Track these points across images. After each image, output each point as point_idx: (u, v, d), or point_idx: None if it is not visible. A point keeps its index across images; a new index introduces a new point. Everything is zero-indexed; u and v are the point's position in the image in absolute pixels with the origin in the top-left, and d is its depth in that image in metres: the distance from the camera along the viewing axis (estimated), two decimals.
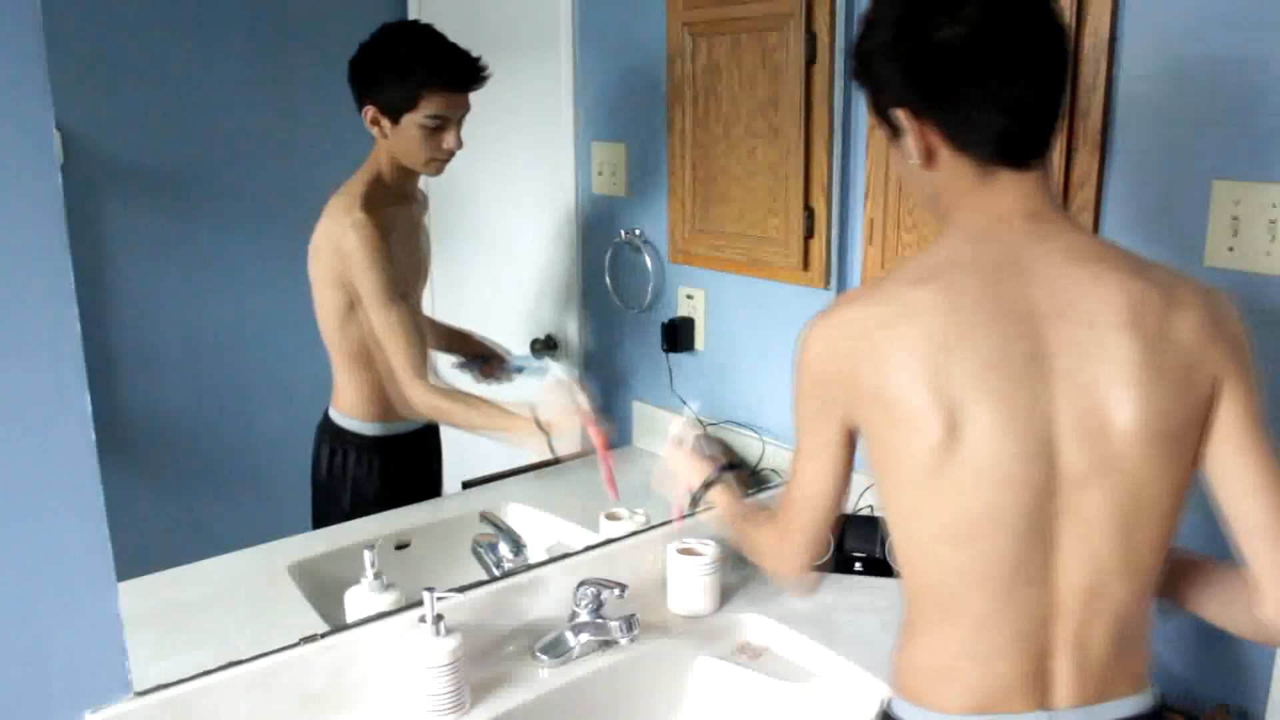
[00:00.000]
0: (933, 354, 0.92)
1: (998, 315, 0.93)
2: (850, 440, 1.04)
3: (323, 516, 1.75)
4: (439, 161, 1.64)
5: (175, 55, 1.63)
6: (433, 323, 1.92)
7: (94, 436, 1.06)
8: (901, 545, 1.02)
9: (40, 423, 1.03)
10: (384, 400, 1.71)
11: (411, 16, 1.86)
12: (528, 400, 1.66)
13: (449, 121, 1.61)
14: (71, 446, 1.05)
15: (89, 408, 1.06)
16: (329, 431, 1.74)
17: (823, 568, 1.20)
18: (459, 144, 1.63)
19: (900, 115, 0.98)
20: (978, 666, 0.97)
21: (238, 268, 1.67)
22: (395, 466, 1.78)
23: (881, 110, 1.01)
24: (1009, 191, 0.97)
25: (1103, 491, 0.93)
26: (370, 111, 1.59)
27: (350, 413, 1.73)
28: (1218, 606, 1.04)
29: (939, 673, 1.00)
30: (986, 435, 0.92)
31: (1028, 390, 0.92)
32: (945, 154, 0.98)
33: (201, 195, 1.69)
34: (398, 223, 1.65)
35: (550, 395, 1.65)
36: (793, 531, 1.11)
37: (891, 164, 1.08)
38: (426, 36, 1.62)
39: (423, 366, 1.62)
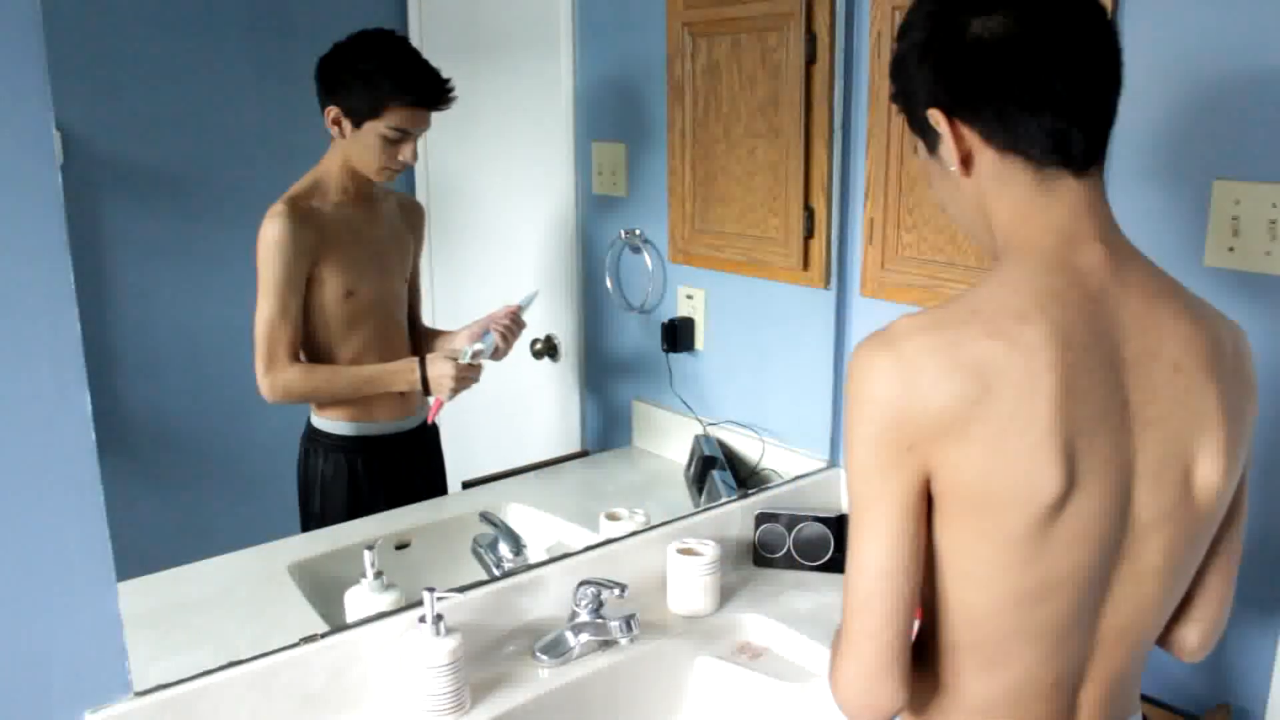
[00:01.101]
0: (1057, 401, 0.82)
1: (1101, 360, 0.85)
2: (927, 501, 0.87)
3: (311, 525, 1.75)
4: (391, 171, 1.66)
5: (175, 55, 1.63)
6: (425, 329, 1.92)
7: (94, 436, 1.06)
8: (956, 603, 0.90)
9: (40, 423, 1.03)
10: (360, 400, 1.73)
11: (411, 17, 1.86)
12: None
13: (409, 135, 1.63)
14: (71, 446, 1.05)
15: (89, 408, 1.06)
16: (309, 436, 1.74)
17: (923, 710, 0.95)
18: (414, 158, 1.65)
19: (934, 117, 0.90)
20: (1016, 711, 0.93)
21: (238, 268, 1.67)
22: (384, 468, 1.77)
23: (916, 118, 0.94)
24: (1072, 203, 0.89)
25: (1164, 538, 0.89)
26: (333, 112, 1.61)
27: (326, 414, 1.73)
28: None
29: (973, 714, 0.94)
30: (1089, 496, 0.84)
31: (1120, 442, 0.86)
32: (988, 157, 0.90)
33: (201, 195, 1.69)
34: (335, 221, 1.65)
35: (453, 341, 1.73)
36: (864, 639, 0.87)
37: (935, 189, 1.00)
38: (400, 50, 1.64)
39: (274, 356, 1.61)
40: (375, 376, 1.71)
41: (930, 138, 0.94)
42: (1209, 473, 0.89)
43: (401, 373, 1.70)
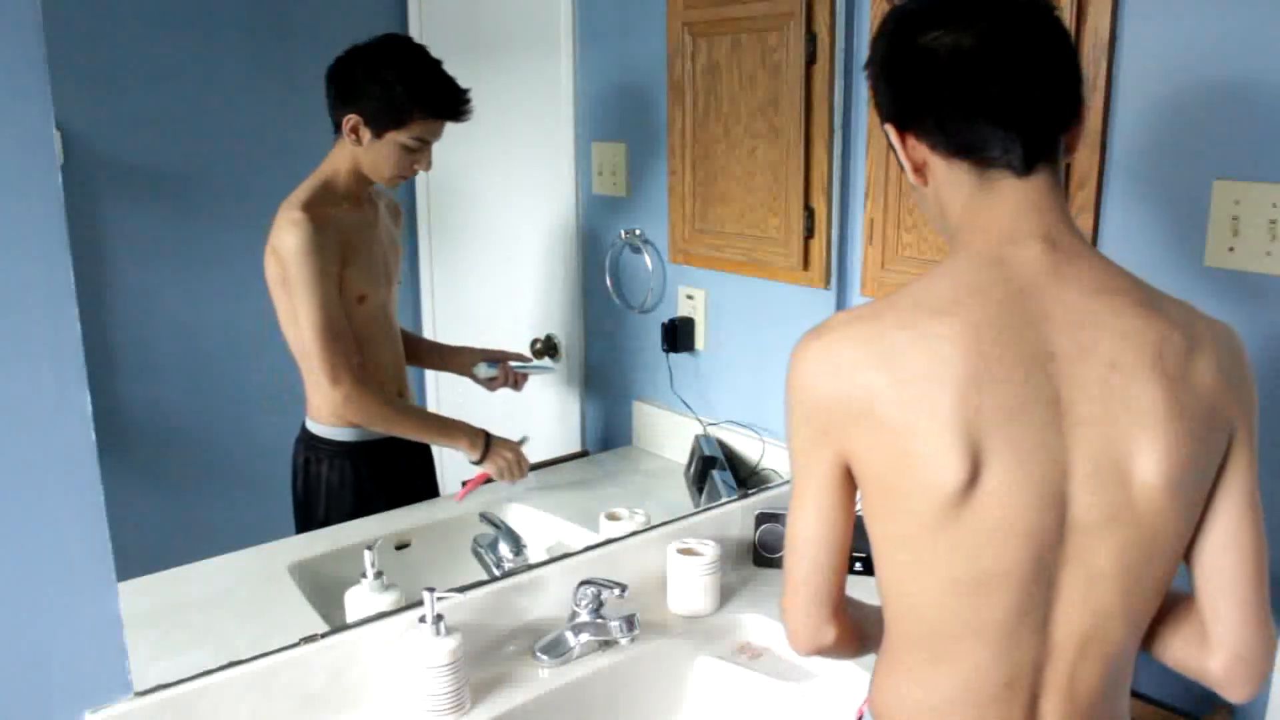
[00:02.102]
0: (959, 392, 0.85)
1: (1021, 355, 0.87)
2: (850, 478, 0.94)
3: (308, 529, 1.74)
4: (404, 178, 1.67)
5: (175, 55, 1.63)
6: (419, 339, 1.92)
7: (94, 436, 1.06)
8: (897, 592, 0.96)
9: (40, 423, 1.03)
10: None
11: (412, 17, 1.86)
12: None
13: (427, 145, 1.64)
14: (71, 446, 1.05)
15: (89, 408, 1.06)
16: (305, 441, 1.73)
17: (846, 645, 1.03)
18: (429, 167, 1.67)
19: (889, 131, 0.96)
20: (971, 711, 0.94)
21: (238, 268, 1.67)
22: (379, 473, 1.77)
23: (884, 132, 0.98)
24: (1014, 202, 0.92)
25: (1114, 541, 0.89)
26: (353, 120, 1.59)
27: (325, 419, 1.72)
28: (1162, 646, 1.01)
29: (930, 712, 0.96)
30: (1006, 486, 0.86)
31: (1047, 437, 0.86)
32: (937, 164, 0.94)
33: (201, 195, 1.68)
34: (349, 225, 1.65)
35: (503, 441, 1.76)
36: (796, 584, 0.98)
37: (908, 189, 1.06)
38: (423, 61, 1.64)
39: (350, 368, 1.61)
40: (439, 429, 1.75)
41: (895, 149, 0.98)
42: (1148, 476, 0.87)
43: (466, 436, 1.72)
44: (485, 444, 1.73)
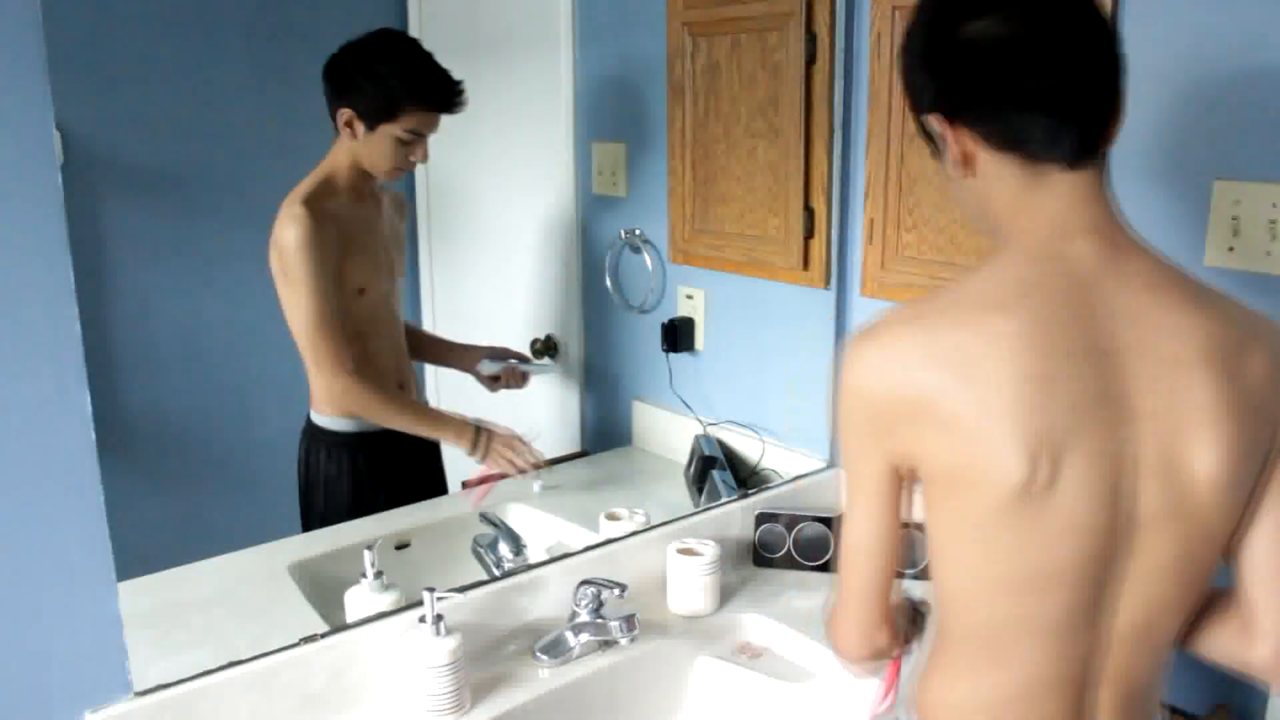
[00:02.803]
0: (1022, 389, 0.84)
1: (1083, 350, 0.86)
2: (901, 483, 0.93)
3: (312, 521, 1.75)
4: (401, 171, 1.67)
5: (175, 55, 1.63)
6: (424, 334, 1.92)
7: (94, 436, 1.06)
8: (953, 589, 0.95)
9: (40, 423, 1.03)
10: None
11: (412, 17, 1.86)
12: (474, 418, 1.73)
13: (422, 137, 1.64)
14: (71, 446, 1.05)
15: (89, 408, 1.06)
16: (309, 433, 1.74)
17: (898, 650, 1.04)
18: (425, 158, 1.66)
19: (934, 121, 0.93)
20: (1026, 707, 0.94)
21: (238, 267, 1.67)
22: (378, 465, 1.78)
23: (922, 124, 0.96)
24: (1063, 196, 0.90)
25: (1170, 536, 0.89)
26: (346, 114, 1.61)
27: (323, 409, 1.73)
28: (1200, 639, 1.01)
29: (984, 710, 0.96)
30: (1072, 483, 0.85)
31: (1111, 433, 0.86)
32: (985, 158, 0.92)
33: (201, 195, 1.69)
34: (349, 219, 1.66)
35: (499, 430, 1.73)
36: (849, 597, 0.98)
37: (950, 189, 1.01)
38: (414, 53, 1.64)
39: (346, 359, 1.63)
40: (430, 421, 1.73)
41: (936, 142, 0.96)
42: (1205, 470, 0.87)
43: (454, 430, 1.71)
44: (475, 437, 1.71)
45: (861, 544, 0.96)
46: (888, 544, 0.95)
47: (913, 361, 0.88)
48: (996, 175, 0.92)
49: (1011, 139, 0.90)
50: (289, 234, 1.57)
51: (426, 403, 1.92)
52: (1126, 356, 0.87)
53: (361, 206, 1.69)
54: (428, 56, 1.64)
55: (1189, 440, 0.87)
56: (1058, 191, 0.91)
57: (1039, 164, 0.90)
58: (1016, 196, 0.92)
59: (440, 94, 1.63)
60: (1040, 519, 0.86)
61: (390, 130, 1.61)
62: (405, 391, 1.81)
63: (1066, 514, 0.86)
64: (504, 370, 1.84)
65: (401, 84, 1.61)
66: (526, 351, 2.10)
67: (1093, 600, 0.90)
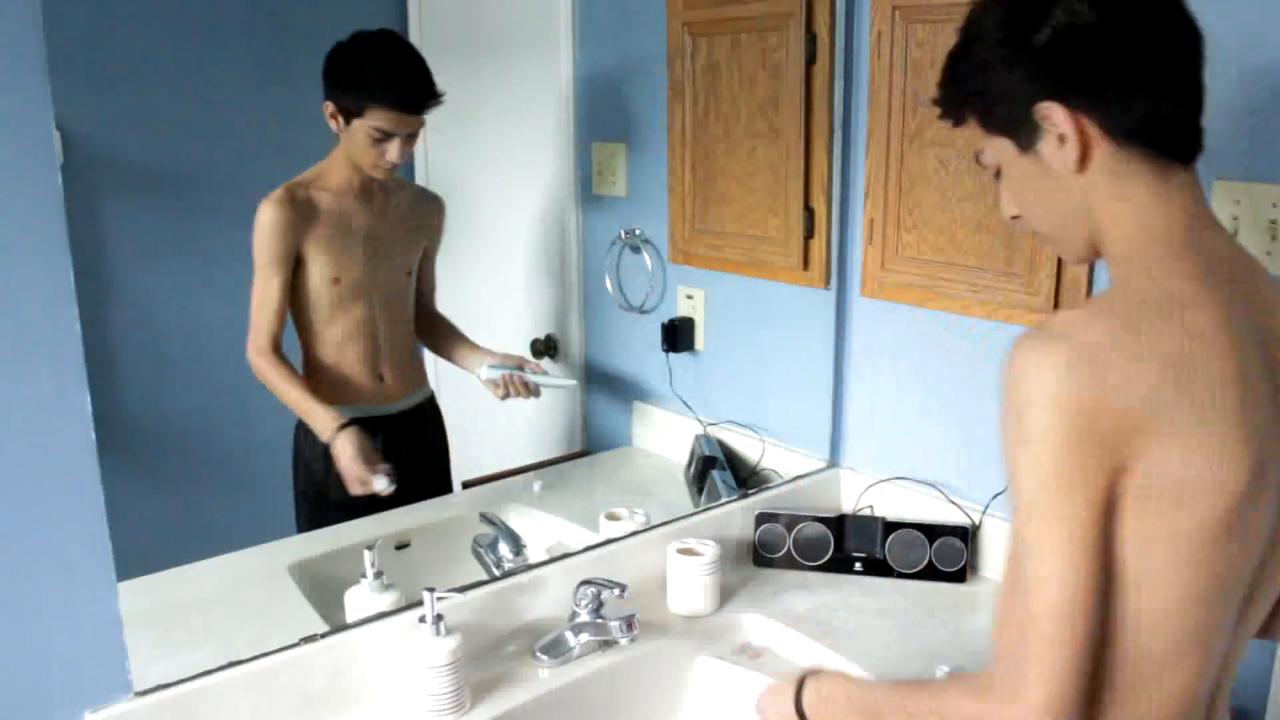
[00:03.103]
0: (1238, 391, 0.78)
1: (1256, 345, 0.81)
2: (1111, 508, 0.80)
3: (305, 510, 1.76)
4: (381, 168, 1.68)
5: (175, 55, 1.63)
6: (448, 331, 1.91)
7: (94, 436, 1.06)
8: (1144, 611, 0.82)
9: (40, 423, 1.03)
10: (338, 381, 1.74)
11: (412, 17, 1.86)
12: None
13: (393, 136, 1.65)
14: (71, 446, 1.05)
15: (89, 408, 1.06)
16: (300, 424, 1.76)
17: None
18: (400, 158, 1.67)
19: (1048, 111, 0.85)
20: None
21: (238, 267, 1.67)
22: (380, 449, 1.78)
23: (1006, 119, 0.89)
24: (1190, 190, 0.86)
25: None
26: (330, 107, 1.64)
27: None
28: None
29: None
30: (1272, 484, 0.80)
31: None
32: (1105, 149, 0.86)
33: (201, 195, 1.69)
34: (331, 211, 1.68)
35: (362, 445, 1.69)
36: (1058, 667, 0.78)
37: (1015, 194, 0.94)
38: (388, 52, 1.66)
39: (263, 337, 1.66)
40: (304, 408, 1.71)
41: (1026, 137, 0.89)
42: None
43: (322, 422, 1.69)
44: (332, 439, 1.67)
45: (1074, 604, 0.78)
46: (1098, 598, 0.79)
47: (1124, 363, 0.77)
48: (1115, 170, 0.86)
49: (1140, 128, 0.85)
50: (258, 215, 1.63)
51: (431, 395, 1.90)
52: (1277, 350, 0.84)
53: (351, 199, 1.71)
54: (403, 55, 1.66)
55: None
56: (1184, 187, 0.86)
57: (1162, 158, 0.86)
58: (1147, 193, 0.86)
59: (404, 93, 1.64)
60: (1241, 526, 0.80)
61: (362, 126, 1.63)
62: (385, 383, 1.80)
63: (1259, 520, 0.81)
64: (505, 377, 1.83)
65: (367, 81, 1.63)
66: (527, 353, 2.10)
67: (1241, 610, 0.87)
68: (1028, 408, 0.79)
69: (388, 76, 1.64)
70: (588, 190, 2.09)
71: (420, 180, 1.93)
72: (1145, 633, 0.83)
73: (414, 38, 1.84)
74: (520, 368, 1.85)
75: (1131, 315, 0.80)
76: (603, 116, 2.05)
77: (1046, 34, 0.85)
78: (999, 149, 0.92)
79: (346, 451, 1.67)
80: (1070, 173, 0.87)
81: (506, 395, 1.84)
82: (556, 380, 1.86)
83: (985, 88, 0.90)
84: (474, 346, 1.89)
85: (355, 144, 1.65)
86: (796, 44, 1.72)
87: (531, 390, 1.85)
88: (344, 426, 1.67)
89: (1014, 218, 0.97)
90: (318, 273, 1.68)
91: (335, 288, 1.70)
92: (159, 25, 1.62)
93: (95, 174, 1.55)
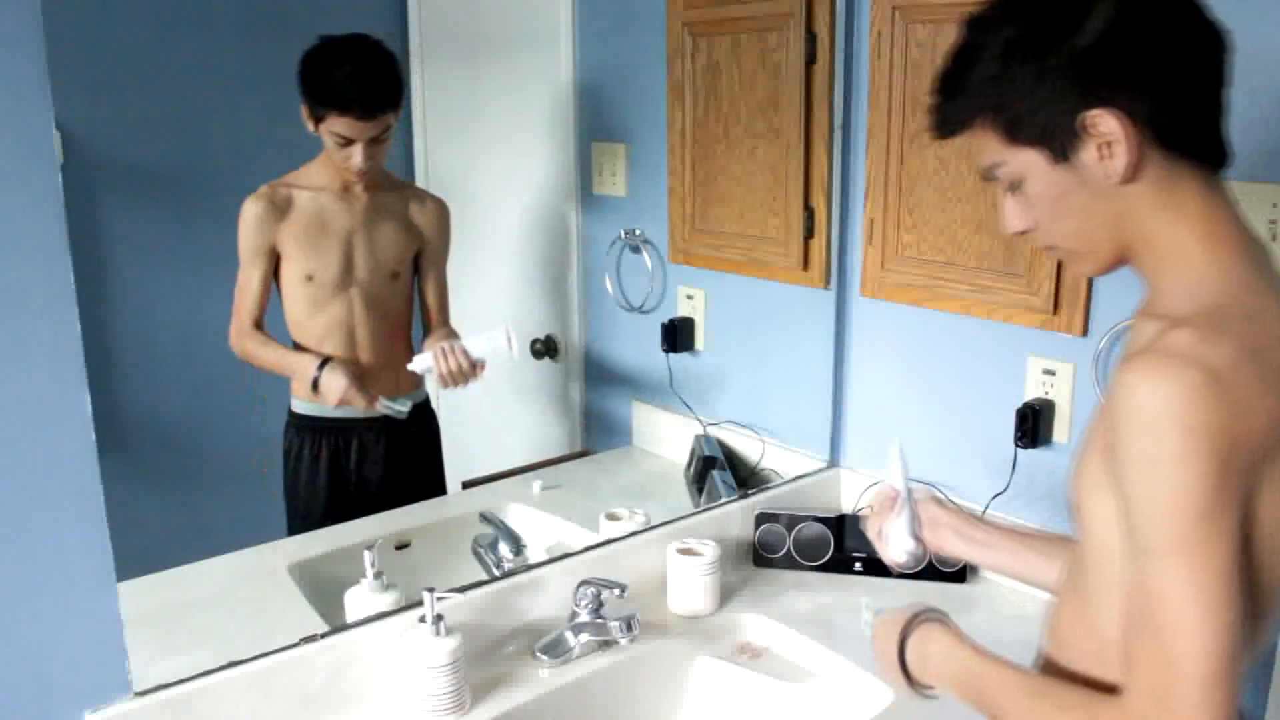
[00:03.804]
0: None
1: None
2: None
3: (292, 509, 1.76)
4: (350, 171, 1.68)
5: (175, 55, 1.63)
6: (433, 325, 1.90)
7: (94, 436, 1.06)
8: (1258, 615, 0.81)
9: (40, 423, 1.03)
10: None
11: (412, 17, 1.86)
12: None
13: (352, 141, 1.65)
14: (71, 446, 1.05)
15: (89, 408, 1.06)
16: (288, 420, 1.77)
17: None
18: (363, 162, 1.66)
19: (1097, 120, 0.81)
20: None
21: (237, 267, 1.67)
22: (343, 451, 1.79)
23: (1043, 132, 0.85)
24: (1229, 197, 0.86)
25: None
26: (304, 111, 1.66)
27: (296, 394, 1.76)
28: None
29: None
30: None
31: None
32: (1155, 157, 0.83)
33: (201, 195, 1.69)
34: (309, 209, 1.69)
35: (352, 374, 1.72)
36: (1197, 709, 0.74)
37: (1044, 207, 0.90)
38: (348, 57, 1.65)
39: (242, 321, 1.68)
40: (285, 362, 1.74)
41: (1063, 147, 0.85)
42: None
43: (303, 365, 1.72)
44: (316, 376, 1.70)
45: (1229, 641, 0.74)
46: (1243, 626, 0.76)
47: (1253, 384, 0.75)
48: (1164, 179, 0.84)
49: (1192, 134, 0.83)
50: (242, 209, 1.66)
51: (426, 399, 1.90)
52: None
53: (333, 198, 1.70)
54: (365, 63, 1.65)
55: None
56: (1225, 194, 0.86)
57: (1204, 165, 0.85)
58: (1199, 201, 0.84)
59: (357, 101, 1.63)
60: None
61: (326, 131, 1.65)
62: (364, 383, 1.75)
63: None
64: (436, 356, 1.73)
65: (321, 88, 1.64)
66: (528, 353, 2.10)
67: None
68: (1161, 435, 0.74)
69: (344, 83, 1.64)
70: (588, 190, 2.09)
71: (420, 180, 1.92)
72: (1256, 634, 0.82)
73: (414, 38, 1.84)
74: (446, 342, 1.76)
75: (1246, 333, 0.77)
76: (603, 116, 2.05)
77: (1091, 35, 0.81)
78: (1025, 161, 0.87)
79: (339, 384, 1.69)
80: (1112, 183, 0.84)
81: (451, 380, 1.74)
82: (485, 337, 1.77)
83: (1011, 98, 0.85)
84: (431, 336, 1.85)
85: (326, 146, 1.67)
86: (796, 44, 1.73)
87: (472, 361, 1.74)
88: (325, 363, 1.70)
89: (1021, 232, 0.93)
90: (292, 270, 1.69)
91: (309, 285, 1.70)
92: (159, 25, 1.62)
93: (95, 174, 1.55)
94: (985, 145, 0.90)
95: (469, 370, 1.74)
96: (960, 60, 0.89)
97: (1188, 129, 0.83)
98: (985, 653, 0.95)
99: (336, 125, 1.64)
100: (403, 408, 1.74)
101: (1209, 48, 0.84)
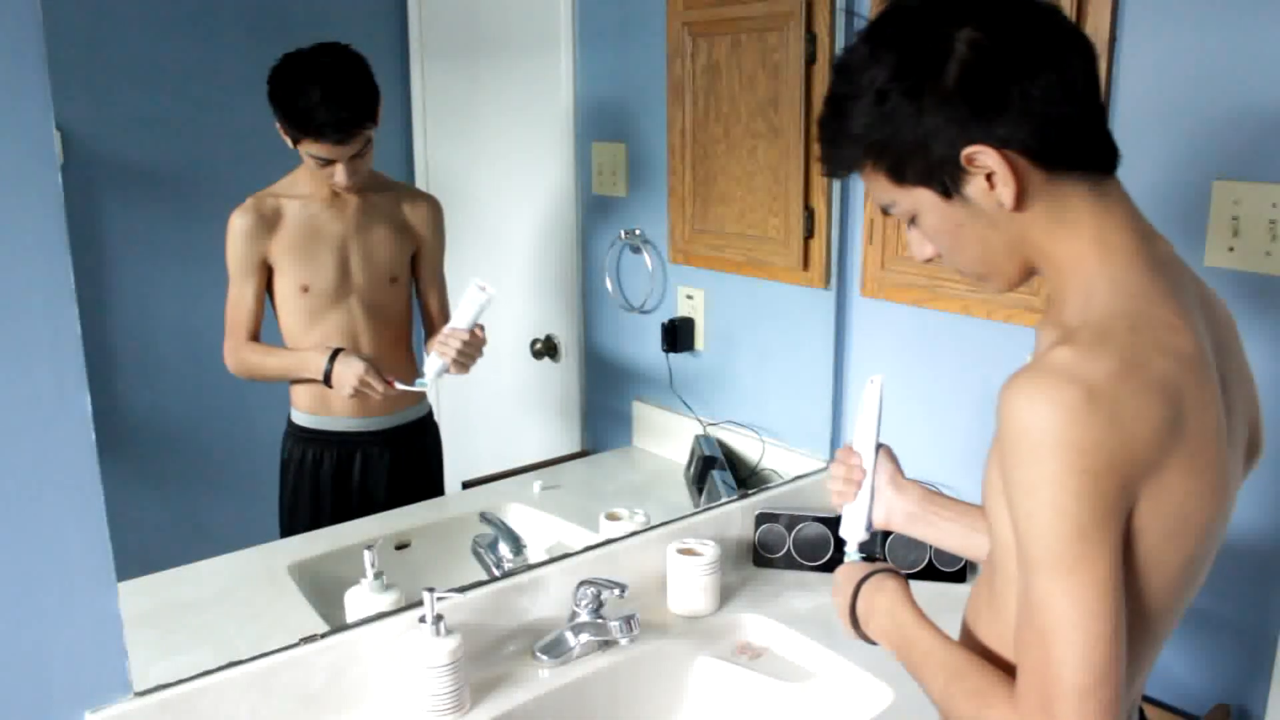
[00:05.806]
0: (1214, 414, 0.80)
1: (1215, 355, 0.83)
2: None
3: (293, 522, 1.75)
4: (337, 187, 1.66)
5: (175, 55, 1.63)
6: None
7: (94, 436, 1.06)
8: (1145, 610, 0.83)
9: (40, 423, 1.03)
10: (319, 391, 1.72)
11: (412, 17, 1.86)
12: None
13: (332, 161, 1.63)
14: (71, 446, 1.05)
15: (89, 408, 1.06)
16: (286, 431, 1.76)
17: None
18: (347, 179, 1.64)
19: (976, 155, 0.82)
20: (1133, 694, 0.93)
21: None
22: (364, 464, 1.77)
23: (922, 168, 0.85)
24: (1125, 201, 0.86)
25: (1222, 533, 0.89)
26: (278, 127, 1.62)
27: (294, 405, 1.74)
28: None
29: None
30: (1231, 495, 0.85)
31: (1230, 438, 0.85)
32: (1038, 179, 0.83)
33: (201, 195, 1.69)
34: (298, 219, 1.68)
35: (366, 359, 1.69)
36: (1106, 703, 0.76)
37: (943, 240, 0.90)
38: (314, 77, 1.59)
39: (237, 338, 1.67)
40: (291, 363, 1.71)
41: (949, 184, 0.85)
42: (1246, 451, 0.92)
43: (312, 360, 1.69)
44: (327, 368, 1.67)
45: (1113, 638, 0.76)
46: (1123, 631, 0.78)
47: (1131, 399, 0.75)
48: (1051, 196, 0.84)
49: (1069, 150, 0.83)
50: (228, 224, 1.65)
51: (429, 412, 1.89)
52: (1221, 354, 0.86)
53: (320, 206, 1.68)
54: (333, 82, 1.60)
55: (1247, 423, 0.92)
56: (1119, 199, 0.86)
57: (1092, 174, 0.85)
58: (1088, 213, 0.84)
59: (332, 126, 1.60)
60: (1212, 536, 0.85)
61: (303, 153, 1.63)
62: (363, 396, 1.72)
63: (1219, 530, 0.86)
64: (440, 353, 1.68)
65: (296, 113, 1.60)
66: (528, 354, 2.10)
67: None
68: (1038, 454, 0.75)
69: (316, 108, 1.59)
70: (588, 190, 2.09)
71: (420, 180, 1.92)
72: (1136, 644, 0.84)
73: (414, 38, 1.84)
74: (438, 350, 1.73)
75: (1128, 346, 0.77)
76: (603, 116, 2.05)
77: (954, 70, 0.80)
78: (916, 200, 0.88)
79: (355, 368, 1.66)
80: (1004, 212, 0.84)
81: (464, 360, 1.69)
82: (464, 303, 1.68)
83: (890, 143, 0.85)
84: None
85: (309, 167, 1.65)
86: (796, 44, 1.73)
87: (469, 331, 1.69)
88: (335, 354, 1.67)
89: (929, 259, 0.94)
90: (286, 281, 1.67)
91: (305, 296, 1.69)
92: (159, 26, 1.62)
93: (95, 174, 1.55)
94: (876, 185, 0.90)
95: (472, 341, 1.69)
96: (834, 108, 0.89)
97: (1068, 144, 0.83)
98: (924, 621, 0.98)
99: (313, 149, 1.61)
100: (424, 382, 1.69)
101: (1074, 58, 0.83)
